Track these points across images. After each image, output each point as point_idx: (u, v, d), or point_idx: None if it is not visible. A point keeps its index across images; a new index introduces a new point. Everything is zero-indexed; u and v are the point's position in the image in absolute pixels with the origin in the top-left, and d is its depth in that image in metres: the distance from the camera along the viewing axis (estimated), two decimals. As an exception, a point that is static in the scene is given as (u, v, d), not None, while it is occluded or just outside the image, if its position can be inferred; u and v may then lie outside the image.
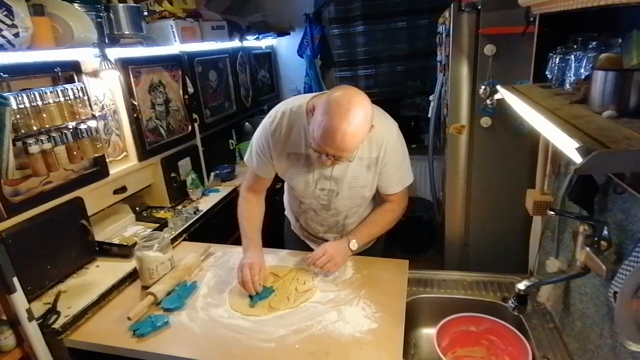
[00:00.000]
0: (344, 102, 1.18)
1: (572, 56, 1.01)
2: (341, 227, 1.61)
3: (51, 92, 1.45)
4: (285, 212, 1.82)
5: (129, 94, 1.94)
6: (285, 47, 3.67)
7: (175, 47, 2.33)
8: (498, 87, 1.24)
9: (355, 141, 1.23)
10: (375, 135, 1.37)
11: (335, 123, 1.17)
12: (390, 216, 1.57)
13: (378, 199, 1.60)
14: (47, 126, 1.44)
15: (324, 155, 1.26)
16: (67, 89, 1.51)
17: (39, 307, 1.42)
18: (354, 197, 1.50)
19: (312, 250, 1.66)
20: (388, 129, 1.43)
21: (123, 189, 1.97)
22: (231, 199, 2.43)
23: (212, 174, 2.60)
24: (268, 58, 3.61)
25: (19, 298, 1.30)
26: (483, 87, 1.88)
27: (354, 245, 1.51)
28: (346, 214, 1.57)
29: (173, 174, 2.26)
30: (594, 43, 0.96)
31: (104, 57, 1.71)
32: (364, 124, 1.21)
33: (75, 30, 1.59)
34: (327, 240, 1.62)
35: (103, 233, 1.89)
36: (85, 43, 1.65)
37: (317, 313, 1.34)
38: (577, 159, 0.62)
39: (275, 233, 1.90)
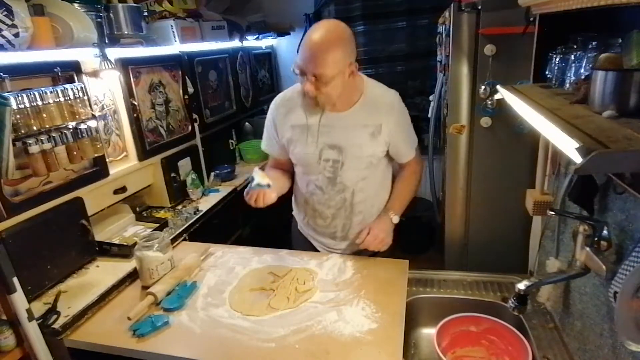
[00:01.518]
0: (320, 23, 1.35)
1: (572, 56, 1.01)
2: (349, 207, 1.59)
3: (51, 92, 1.45)
4: (293, 212, 1.82)
5: (129, 94, 1.94)
6: (285, 47, 3.67)
7: (175, 47, 2.33)
8: (498, 87, 1.24)
9: (330, 54, 1.29)
10: (377, 101, 1.47)
11: (310, 36, 1.31)
12: (415, 178, 1.66)
13: (387, 172, 1.65)
14: (47, 126, 1.44)
15: (306, 81, 1.34)
16: (67, 89, 1.51)
17: (39, 307, 1.42)
18: (359, 168, 1.52)
19: (317, 250, 1.70)
20: (389, 95, 1.52)
21: (123, 189, 1.96)
22: (231, 199, 2.44)
23: (212, 174, 2.60)
24: (268, 58, 3.61)
25: (19, 298, 1.30)
26: (483, 87, 1.88)
27: (395, 218, 1.57)
28: (353, 189, 1.56)
29: (173, 174, 2.25)
30: (594, 43, 0.96)
31: (104, 57, 1.71)
32: (337, 38, 1.31)
33: (75, 30, 1.59)
34: (334, 236, 1.64)
35: (103, 233, 1.89)
36: (85, 43, 1.65)
37: (317, 313, 1.34)
38: (577, 159, 0.62)
39: (279, 235, 1.90)
